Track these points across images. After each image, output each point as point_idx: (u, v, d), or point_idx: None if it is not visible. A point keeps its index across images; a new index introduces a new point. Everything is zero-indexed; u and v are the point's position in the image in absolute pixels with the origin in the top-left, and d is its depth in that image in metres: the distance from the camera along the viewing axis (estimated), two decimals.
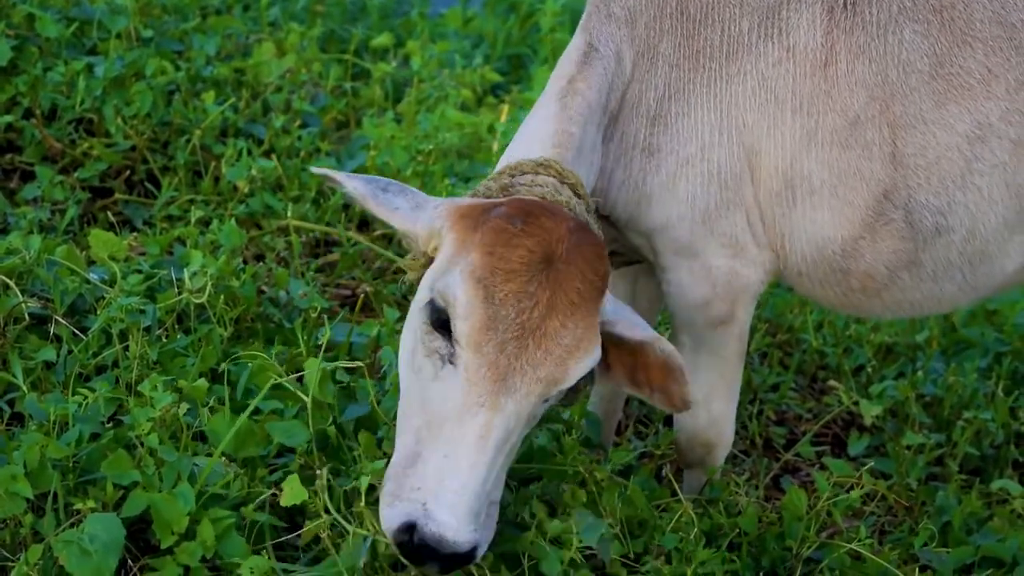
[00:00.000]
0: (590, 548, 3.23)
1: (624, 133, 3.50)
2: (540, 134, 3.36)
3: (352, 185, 3.21)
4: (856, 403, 4.58)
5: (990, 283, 3.68)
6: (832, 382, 4.90)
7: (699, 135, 3.48)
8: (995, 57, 3.49)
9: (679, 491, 3.62)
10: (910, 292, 3.64)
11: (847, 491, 3.81)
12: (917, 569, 3.53)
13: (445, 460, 2.90)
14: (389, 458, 3.08)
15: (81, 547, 2.90)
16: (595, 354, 2.99)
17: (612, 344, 3.14)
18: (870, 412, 4.48)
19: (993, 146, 3.48)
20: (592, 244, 3.04)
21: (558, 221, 3.02)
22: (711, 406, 3.72)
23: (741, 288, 3.58)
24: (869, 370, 4.99)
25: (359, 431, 3.40)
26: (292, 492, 3.14)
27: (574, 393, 3.21)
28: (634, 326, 3.14)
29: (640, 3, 3.52)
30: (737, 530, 3.60)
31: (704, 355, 3.67)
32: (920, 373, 4.91)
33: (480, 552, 2.93)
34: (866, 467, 3.95)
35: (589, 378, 3.10)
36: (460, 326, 2.93)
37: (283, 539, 3.22)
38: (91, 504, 3.02)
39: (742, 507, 3.67)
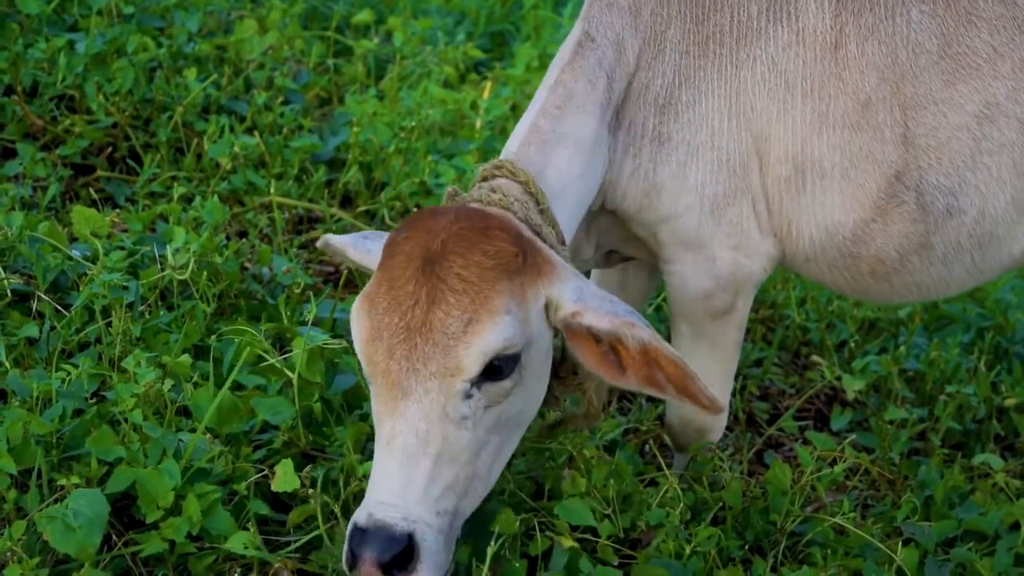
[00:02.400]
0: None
1: (632, 122, 3.47)
2: (520, 128, 3.36)
3: (340, 242, 3.27)
4: (839, 378, 4.60)
5: (997, 266, 3.68)
6: (815, 357, 4.92)
7: (708, 122, 3.46)
8: (1000, 36, 3.49)
9: (663, 466, 3.62)
10: (920, 276, 3.63)
11: (830, 465, 3.82)
12: (900, 542, 3.53)
13: (374, 470, 2.90)
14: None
15: (65, 522, 2.90)
16: (492, 334, 2.88)
17: (615, 342, 3.03)
18: (853, 387, 4.49)
19: (1001, 125, 3.48)
20: (478, 227, 2.97)
21: (440, 217, 2.99)
22: None
23: (743, 279, 3.58)
24: (852, 345, 5.00)
25: (343, 409, 3.41)
26: (284, 478, 3.14)
27: (563, 384, 3.24)
28: (603, 314, 2.99)
29: None
30: (721, 504, 3.61)
31: (703, 343, 3.67)
32: (903, 348, 4.92)
33: (426, 549, 2.85)
34: (848, 441, 3.96)
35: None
36: (355, 344, 2.94)
37: (265, 515, 3.22)
38: (75, 480, 3.01)
39: (726, 482, 3.67)
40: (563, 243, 3.21)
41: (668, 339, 3.74)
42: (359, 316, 2.95)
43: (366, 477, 3.10)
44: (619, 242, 3.68)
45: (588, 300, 3.01)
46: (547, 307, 3.02)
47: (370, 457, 3.08)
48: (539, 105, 3.38)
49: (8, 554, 2.90)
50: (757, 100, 3.47)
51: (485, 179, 3.23)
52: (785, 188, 3.50)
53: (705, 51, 3.48)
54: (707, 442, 3.77)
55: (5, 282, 3.55)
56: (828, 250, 3.56)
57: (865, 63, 3.45)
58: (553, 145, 3.31)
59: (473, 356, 2.87)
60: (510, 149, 3.32)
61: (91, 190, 4.59)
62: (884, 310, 5.27)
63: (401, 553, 2.81)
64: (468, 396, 2.90)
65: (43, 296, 3.66)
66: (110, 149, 4.84)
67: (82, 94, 4.89)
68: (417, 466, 2.86)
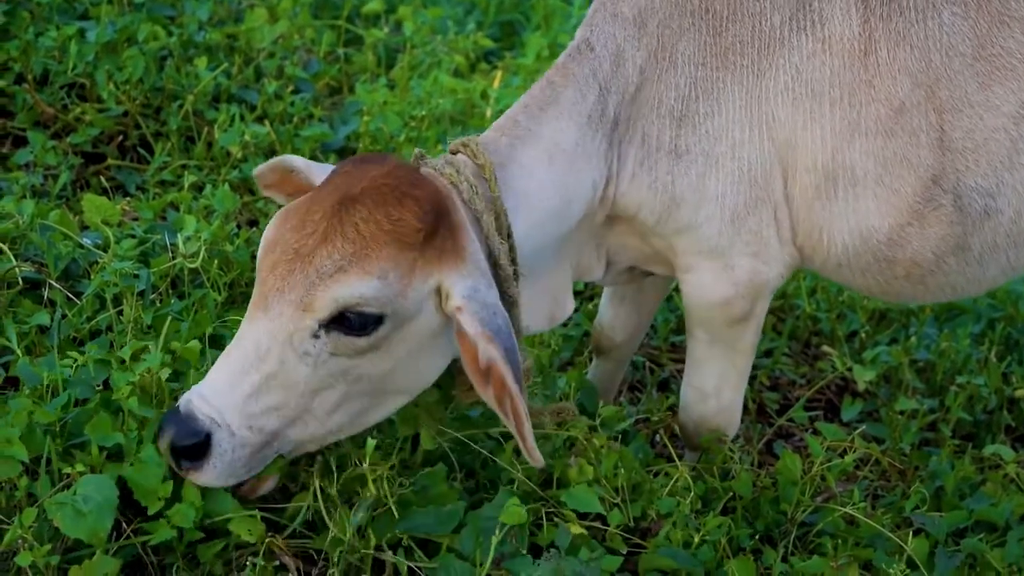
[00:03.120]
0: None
1: (646, 136, 3.43)
2: (501, 118, 3.39)
3: (304, 165, 3.37)
4: (849, 369, 4.59)
5: None
6: (825, 347, 4.91)
7: (729, 133, 3.42)
8: None
9: (674, 456, 3.63)
10: (955, 276, 3.61)
11: (840, 456, 3.82)
12: (911, 533, 3.53)
13: (215, 364, 3.04)
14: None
15: (75, 508, 2.90)
16: (349, 288, 2.94)
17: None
18: (863, 377, 4.49)
19: None
20: (399, 190, 3.01)
21: (377, 165, 3.07)
22: (721, 395, 3.72)
23: (761, 285, 3.55)
24: (862, 335, 5.00)
25: None
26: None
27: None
28: (475, 320, 3.00)
29: (653, 3, 3.45)
30: (731, 494, 3.61)
31: (719, 348, 3.67)
32: (913, 339, 4.92)
33: (220, 454, 2.97)
34: (858, 431, 3.96)
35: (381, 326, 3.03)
36: None
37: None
38: (80, 468, 3.01)
39: (736, 472, 3.67)
40: (509, 236, 3.21)
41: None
42: (272, 223, 3.07)
43: (361, 463, 3.15)
44: (636, 258, 3.66)
45: (473, 302, 3.02)
46: (441, 293, 3.05)
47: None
48: (525, 100, 3.39)
49: (19, 541, 2.91)
50: (780, 110, 3.43)
51: (453, 152, 3.27)
52: (815, 196, 3.47)
53: (724, 62, 3.43)
54: (719, 433, 3.77)
55: (17, 270, 3.55)
56: (862, 255, 3.54)
57: (897, 68, 3.41)
58: (525, 142, 3.32)
59: (325, 300, 2.94)
60: (485, 135, 3.34)
61: (102, 178, 4.59)
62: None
63: (195, 446, 2.96)
64: (315, 336, 2.97)
65: (54, 284, 3.66)
66: (121, 137, 4.84)
67: (93, 82, 4.88)
68: (246, 376, 2.98)
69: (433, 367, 3.16)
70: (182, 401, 2.99)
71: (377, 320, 2.98)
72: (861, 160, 3.43)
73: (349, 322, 2.96)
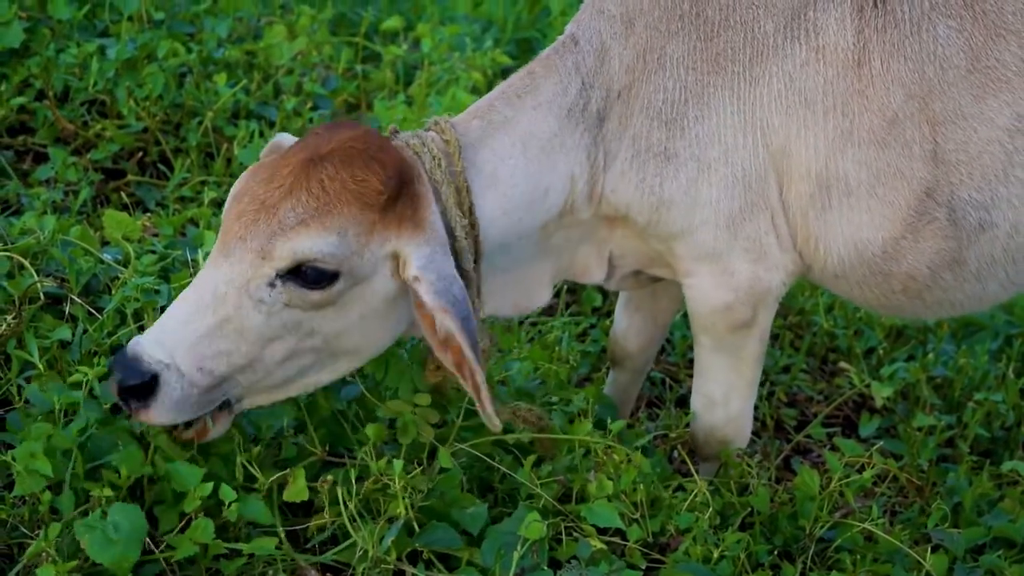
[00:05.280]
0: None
1: (636, 136, 3.44)
2: (478, 102, 3.47)
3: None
4: (867, 385, 4.59)
5: None
6: (843, 364, 4.91)
7: (721, 139, 3.43)
8: None
9: (693, 471, 3.63)
10: (953, 292, 3.59)
11: (858, 472, 3.82)
12: (929, 549, 3.52)
13: (170, 306, 3.13)
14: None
15: (105, 534, 2.93)
16: (308, 241, 3.03)
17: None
18: (881, 393, 4.49)
19: None
20: (366, 152, 3.11)
21: (349, 130, 3.17)
22: (730, 405, 3.73)
23: (763, 292, 3.56)
24: (880, 352, 5.00)
25: (358, 418, 3.45)
26: (296, 489, 3.18)
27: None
28: (432, 291, 3.09)
29: (641, 4, 3.46)
30: (750, 510, 3.62)
31: (724, 356, 3.67)
32: (931, 355, 4.92)
33: (167, 394, 3.03)
34: (875, 447, 3.96)
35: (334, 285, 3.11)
36: None
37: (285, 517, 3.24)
38: (107, 493, 3.03)
39: (754, 487, 3.68)
40: (471, 214, 3.28)
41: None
42: (244, 174, 3.18)
43: (383, 474, 3.18)
44: (639, 262, 3.67)
45: (429, 272, 3.10)
46: (398, 260, 3.13)
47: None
48: (503, 87, 3.45)
49: (43, 555, 2.93)
50: (774, 117, 3.43)
51: (427, 130, 3.35)
52: (810, 204, 3.47)
53: (715, 68, 3.43)
54: (736, 448, 3.77)
55: (39, 285, 3.57)
56: (857, 267, 3.54)
57: (891, 80, 3.41)
58: (498, 127, 3.38)
59: (284, 251, 3.03)
60: (460, 116, 3.42)
61: (122, 194, 4.61)
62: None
63: (142, 386, 3.02)
64: (271, 285, 3.05)
65: (76, 299, 3.67)
66: (141, 154, 4.86)
67: (113, 99, 4.91)
68: (200, 318, 3.05)
69: (385, 333, 3.24)
70: (131, 343, 3.06)
71: (332, 276, 3.07)
72: (854, 170, 3.43)
73: (305, 275, 3.06)
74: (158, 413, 3.07)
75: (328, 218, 3.05)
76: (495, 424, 3.15)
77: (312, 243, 3.04)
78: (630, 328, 4.04)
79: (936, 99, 3.42)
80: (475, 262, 3.30)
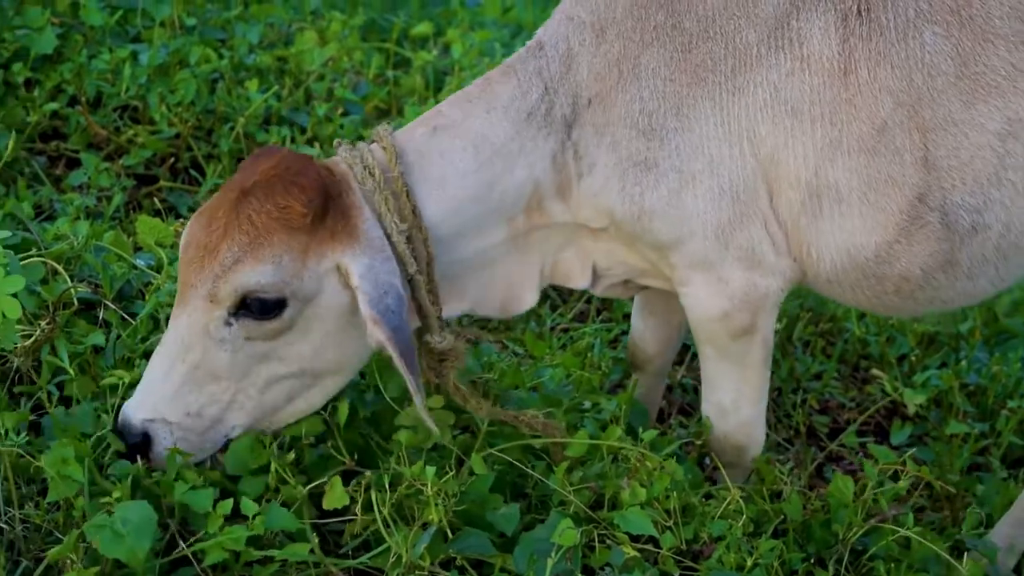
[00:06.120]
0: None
1: (615, 144, 3.43)
2: (430, 110, 3.50)
3: None
4: (900, 392, 4.57)
5: (1019, 274, 3.64)
6: (875, 371, 4.89)
7: (705, 150, 3.41)
8: (1018, 53, 3.41)
9: (726, 478, 3.62)
10: (945, 291, 3.59)
11: (892, 479, 3.80)
12: (965, 556, 3.50)
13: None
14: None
15: (114, 530, 2.94)
16: (246, 276, 3.11)
17: None
18: (914, 401, 4.47)
19: None
20: (286, 179, 3.17)
21: (269, 159, 3.23)
22: (740, 411, 3.72)
23: (760, 299, 3.54)
24: (912, 359, 4.98)
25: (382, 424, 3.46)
26: (335, 495, 3.20)
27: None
28: (366, 301, 3.15)
29: (613, 12, 3.45)
30: (783, 517, 3.60)
31: (728, 364, 3.67)
32: (964, 362, 4.89)
33: (161, 443, 3.18)
34: (908, 454, 3.94)
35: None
36: None
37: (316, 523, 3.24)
38: (118, 494, 3.04)
39: (787, 494, 3.66)
40: (413, 215, 3.32)
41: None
42: (190, 222, 3.25)
43: (415, 479, 3.19)
44: (629, 272, 3.67)
45: (366, 282, 3.16)
46: (342, 272, 3.19)
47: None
48: (457, 93, 3.50)
49: (68, 560, 2.94)
50: (761, 126, 3.41)
51: (370, 141, 3.43)
52: (801, 212, 3.46)
53: (695, 79, 3.41)
54: (752, 453, 3.78)
55: (72, 291, 3.58)
56: (851, 272, 3.53)
57: (878, 88, 3.38)
58: (445, 131, 3.41)
59: (227, 290, 3.12)
60: (410, 124, 3.48)
61: (154, 200, 4.62)
62: (944, 324, 5.23)
63: (137, 444, 3.18)
64: (227, 324, 3.16)
65: (110, 304, 3.69)
66: (172, 159, 4.88)
67: (145, 105, 4.93)
68: (173, 369, 3.18)
69: (358, 344, 3.27)
70: (122, 409, 3.22)
71: (278, 303, 3.15)
72: (845, 178, 3.41)
73: (251, 307, 3.14)
74: (162, 462, 3.19)
75: (260, 250, 3.13)
76: (432, 430, 3.23)
77: (248, 277, 3.12)
78: (647, 331, 4.03)
79: (925, 106, 3.40)
80: (428, 263, 3.36)
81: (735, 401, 3.70)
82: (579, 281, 3.66)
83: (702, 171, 3.41)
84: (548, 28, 3.51)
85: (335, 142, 3.43)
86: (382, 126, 3.41)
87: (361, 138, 5.02)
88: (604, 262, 3.63)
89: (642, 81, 3.41)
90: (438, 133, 3.40)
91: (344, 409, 3.36)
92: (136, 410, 3.19)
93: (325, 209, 3.18)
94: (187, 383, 3.19)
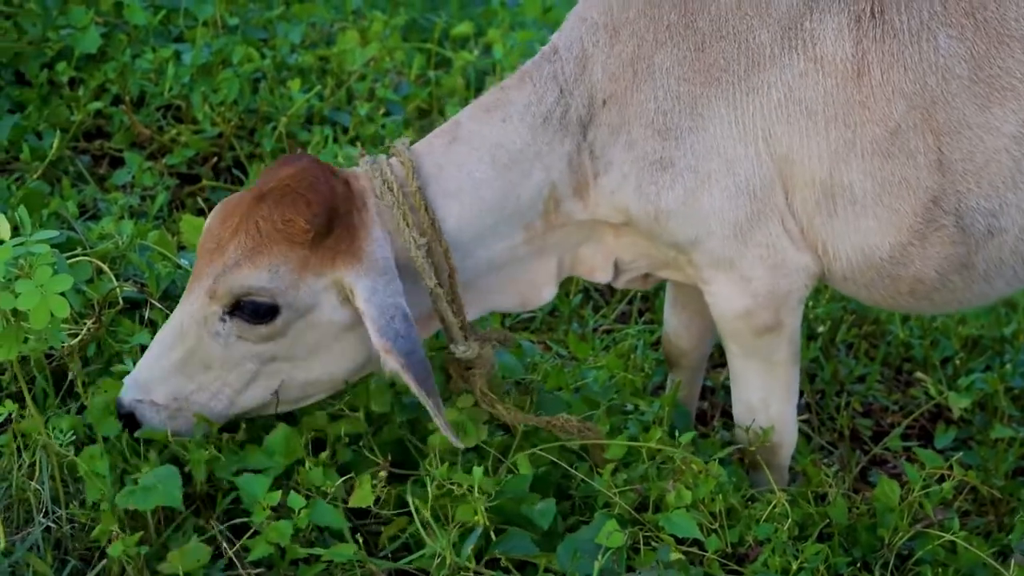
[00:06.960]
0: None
1: (631, 144, 3.43)
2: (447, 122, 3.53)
3: None
4: (944, 395, 4.54)
5: None
6: (918, 374, 4.86)
7: (720, 150, 3.40)
8: None
9: (771, 481, 3.60)
10: (961, 293, 3.58)
11: (937, 483, 3.78)
12: (1012, 562, 3.48)
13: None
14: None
15: (144, 487, 3.06)
16: (242, 279, 3.18)
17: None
18: (959, 404, 4.44)
19: None
20: (297, 192, 3.22)
21: (289, 167, 3.29)
22: (769, 409, 3.70)
23: (783, 295, 3.54)
24: (956, 362, 4.94)
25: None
26: (361, 495, 3.22)
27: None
28: (374, 327, 3.19)
29: (627, 13, 3.44)
30: (828, 521, 3.58)
31: (755, 361, 3.66)
32: (1008, 366, 4.86)
33: (148, 422, 3.27)
34: (954, 458, 3.92)
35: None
36: None
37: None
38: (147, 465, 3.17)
39: (832, 498, 3.64)
40: (432, 227, 3.35)
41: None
42: (213, 212, 3.33)
43: (454, 482, 3.22)
44: (651, 266, 3.67)
45: (371, 306, 3.20)
46: (343, 290, 3.25)
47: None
48: (473, 103, 3.51)
49: (113, 533, 3.01)
50: (776, 126, 3.40)
51: (389, 155, 3.45)
52: (816, 211, 3.45)
53: (709, 78, 3.40)
54: (785, 452, 3.76)
55: (118, 290, 3.59)
56: (865, 271, 3.52)
57: (891, 90, 3.36)
58: (462, 141, 3.43)
59: (223, 289, 3.20)
60: (428, 136, 3.50)
61: (197, 199, 4.64)
62: (988, 327, 5.20)
63: (129, 418, 3.28)
64: (223, 320, 3.24)
65: (155, 303, 3.70)
66: (215, 159, 4.89)
67: (188, 104, 4.94)
68: (169, 352, 3.27)
69: (353, 356, 3.34)
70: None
71: (271, 309, 3.21)
72: (859, 179, 3.40)
73: (245, 310, 3.22)
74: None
75: (259, 257, 3.20)
76: (457, 445, 3.25)
77: (244, 280, 3.19)
78: (679, 325, 4.02)
79: (939, 109, 3.37)
80: (450, 276, 3.39)
81: (764, 399, 3.69)
82: (602, 276, 3.67)
83: (718, 170, 3.41)
84: (562, 32, 3.51)
85: (357, 153, 3.47)
86: (400, 140, 3.44)
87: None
88: (628, 255, 3.64)
89: (656, 81, 3.41)
90: (455, 144, 3.42)
91: (383, 402, 3.41)
92: (127, 390, 3.28)
93: (330, 226, 3.23)
94: (180, 368, 3.27)
